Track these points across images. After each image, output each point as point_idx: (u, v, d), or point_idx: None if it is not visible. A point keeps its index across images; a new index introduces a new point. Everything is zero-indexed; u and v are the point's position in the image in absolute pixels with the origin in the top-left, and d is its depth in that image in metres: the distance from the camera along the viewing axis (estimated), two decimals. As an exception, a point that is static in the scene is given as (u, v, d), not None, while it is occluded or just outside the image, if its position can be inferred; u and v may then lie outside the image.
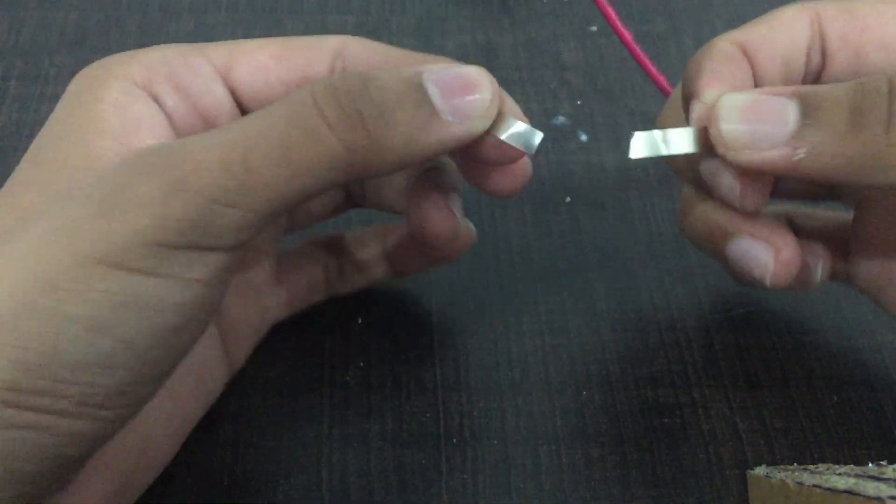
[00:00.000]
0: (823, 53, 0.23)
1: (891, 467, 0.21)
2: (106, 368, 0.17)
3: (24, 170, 0.21)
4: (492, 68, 0.38)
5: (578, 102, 0.37)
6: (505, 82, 0.37)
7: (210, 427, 0.27)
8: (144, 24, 0.39)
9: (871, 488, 0.19)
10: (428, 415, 0.28)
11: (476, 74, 0.20)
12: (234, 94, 0.23)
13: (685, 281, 0.31)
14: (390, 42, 0.39)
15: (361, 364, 0.29)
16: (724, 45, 0.22)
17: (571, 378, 0.29)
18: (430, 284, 0.31)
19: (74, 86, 0.22)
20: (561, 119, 0.36)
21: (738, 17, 0.41)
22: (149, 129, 0.21)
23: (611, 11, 0.33)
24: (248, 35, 0.38)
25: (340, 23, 0.39)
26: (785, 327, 0.30)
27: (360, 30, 0.39)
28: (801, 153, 0.20)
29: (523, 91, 0.37)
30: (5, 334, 0.17)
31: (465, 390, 0.28)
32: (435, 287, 0.30)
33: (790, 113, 0.20)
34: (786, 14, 0.23)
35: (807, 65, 0.23)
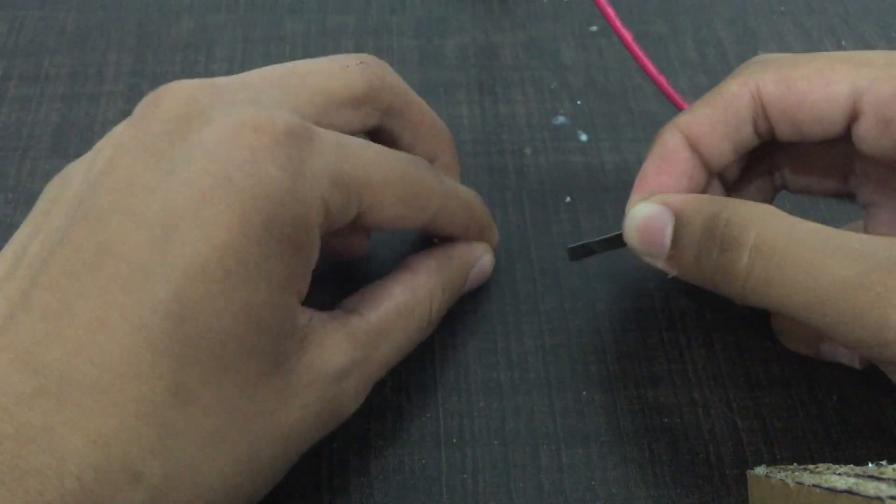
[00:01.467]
0: (769, 120, 0.25)
1: (890, 467, 0.21)
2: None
3: (222, 309, 0.20)
4: (492, 68, 0.38)
5: (578, 102, 0.37)
6: (505, 82, 0.37)
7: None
8: (144, 25, 0.39)
9: (870, 488, 0.19)
10: (428, 415, 0.28)
11: (490, 270, 0.30)
12: (353, 223, 0.24)
13: (685, 281, 0.31)
14: (390, 42, 0.39)
15: (361, 364, 0.29)
16: (669, 138, 0.25)
17: (571, 378, 0.29)
18: (430, 284, 0.31)
19: (263, 203, 0.20)
20: (561, 119, 0.36)
21: (738, 18, 0.41)
22: (309, 274, 0.23)
23: (611, 11, 0.33)
24: (248, 36, 0.39)
25: (341, 23, 0.39)
26: (785, 327, 0.30)
27: (361, 30, 0.39)
28: (674, 271, 0.25)
29: (523, 91, 0.37)
30: None
31: (465, 390, 0.28)
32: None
33: (666, 235, 0.24)
34: (729, 91, 0.24)
35: (756, 132, 0.25)
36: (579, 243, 0.28)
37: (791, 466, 0.24)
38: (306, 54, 0.38)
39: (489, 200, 0.33)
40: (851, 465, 0.22)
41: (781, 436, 0.27)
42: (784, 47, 0.39)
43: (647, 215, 0.25)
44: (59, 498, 0.18)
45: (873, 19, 0.41)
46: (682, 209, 0.24)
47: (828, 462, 0.26)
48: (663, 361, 0.29)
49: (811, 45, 0.40)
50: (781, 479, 0.23)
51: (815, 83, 0.23)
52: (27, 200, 0.32)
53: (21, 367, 0.18)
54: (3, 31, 0.38)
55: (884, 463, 0.21)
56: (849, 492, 0.19)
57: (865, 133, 0.23)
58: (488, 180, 0.34)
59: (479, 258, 0.29)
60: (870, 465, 0.21)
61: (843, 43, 0.40)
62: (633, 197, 0.26)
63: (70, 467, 0.18)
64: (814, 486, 0.21)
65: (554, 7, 0.41)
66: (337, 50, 0.38)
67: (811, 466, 0.23)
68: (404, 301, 0.25)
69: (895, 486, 0.19)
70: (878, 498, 0.18)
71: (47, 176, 0.33)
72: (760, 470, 0.25)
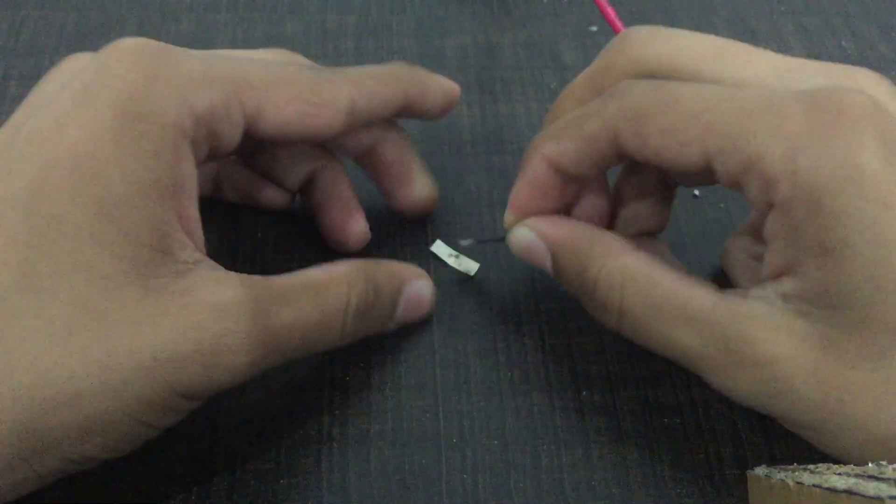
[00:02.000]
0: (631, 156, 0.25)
1: (890, 467, 0.21)
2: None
3: (82, 205, 0.20)
4: (492, 68, 0.38)
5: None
6: (505, 82, 0.37)
7: (210, 427, 0.27)
8: (144, 24, 0.39)
9: (870, 488, 0.19)
10: (428, 415, 0.28)
11: (428, 298, 0.29)
12: (246, 132, 0.24)
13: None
14: (390, 43, 0.39)
15: (361, 364, 0.29)
16: (536, 164, 0.26)
17: (571, 378, 0.29)
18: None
19: (128, 110, 0.21)
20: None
21: (738, 17, 0.41)
22: (190, 191, 0.23)
23: (610, 11, 0.33)
24: (248, 36, 0.39)
25: (341, 23, 0.39)
26: (785, 327, 0.30)
27: (361, 30, 0.39)
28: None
29: (523, 91, 0.37)
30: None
31: (465, 390, 0.28)
32: (435, 287, 0.30)
33: (548, 265, 0.27)
34: (588, 131, 0.25)
35: (621, 159, 0.26)
36: (468, 240, 0.30)
37: (791, 466, 0.24)
38: (306, 54, 0.38)
39: (489, 200, 0.33)
40: (851, 465, 0.22)
41: (781, 435, 0.27)
42: (784, 47, 0.39)
43: (526, 243, 0.27)
44: None
45: (873, 19, 0.41)
46: (555, 251, 0.26)
47: (828, 462, 0.26)
48: (663, 361, 0.29)
49: (811, 45, 0.40)
50: (781, 479, 0.23)
51: (668, 141, 0.23)
52: (27, 200, 0.32)
53: None
54: (3, 31, 0.38)
55: (884, 463, 0.21)
56: (849, 492, 0.19)
57: (725, 184, 0.24)
58: (488, 180, 0.34)
59: (412, 280, 0.28)
60: (870, 464, 0.21)
61: (843, 43, 0.40)
62: (508, 215, 0.27)
63: None
64: (814, 485, 0.21)
65: (554, 7, 0.41)
66: (337, 50, 0.38)
67: (811, 466, 0.23)
68: (317, 277, 0.25)
69: (895, 486, 0.19)
70: (879, 498, 0.18)
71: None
72: (760, 470, 0.25)
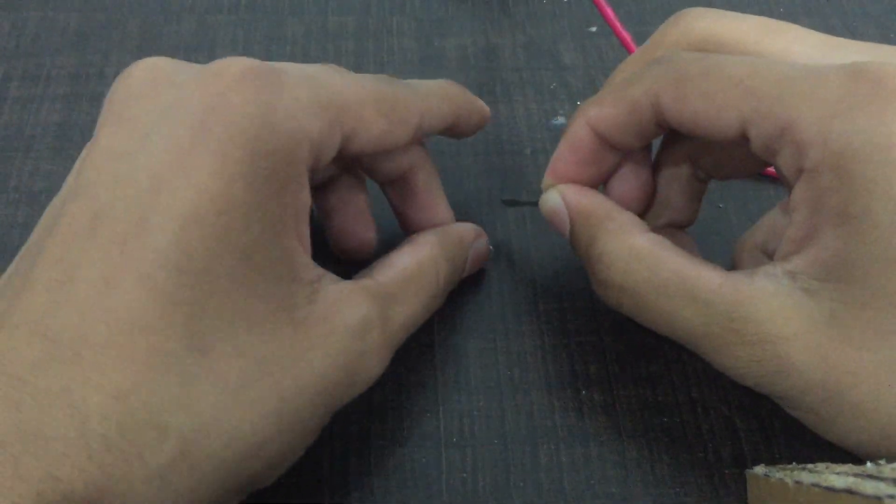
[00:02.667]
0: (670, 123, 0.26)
1: (889, 466, 0.21)
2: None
3: (224, 252, 0.20)
4: (492, 69, 0.38)
5: (578, 102, 0.37)
6: (505, 83, 0.37)
7: (211, 426, 0.27)
8: (146, 25, 0.39)
9: (869, 487, 0.19)
10: (428, 414, 0.28)
11: (486, 252, 0.31)
12: (340, 152, 0.24)
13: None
14: (390, 43, 0.39)
15: (362, 364, 0.29)
16: (578, 129, 0.26)
17: (571, 377, 0.29)
18: (431, 284, 0.31)
19: (256, 149, 0.21)
20: (561, 119, 0.36)
21: (738, 18, 0.41)
22: (307, 215, 0.23)
23: (610, 12, 0.33)
24: (249, 37, 0.39)
25: (341, 24, 0.39)
26: (784, 327, 0.30)
27: (361, 31, 0.39)
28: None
29: (523, 91, 0.37)
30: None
31: (465, 390, 0.28)
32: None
33: (567, 231, 0.27)
34: (632, 96, 0.25)
35: (659, 127, 0.26)
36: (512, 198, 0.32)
37: (790, 465, 0.24)
38: (307, 55, 0.38)
39: (489, 200, 0.33)
40: (850, 465, 0.22)
41: (780, 435, 0.27)
42: (783, 48, 0.39)
43: (552, 206, 0.27)
44: (87, 458, 0.18)
45: (872, 20, 0.41)
46: (573, 219, 0.27)
47: (826, 461, 0.26)
48: (662, 361, 0.29)
49: (810, 45, 0.40)
50: (780, 479, 0.23)
51: (707, 105, 0.24)
52: (29, 201, 0.32)
53: (31, 337, 0.19)
54: (4, 32, 0.38)
55: (882, 462, 0.21)
56: (848, 491, 0.19)
57: (758, 152, 0.24)
58: (488, 180, 0.34)
59: (476, 239, 0.29)
60: (868, 464, 0.21)
61: (843, 43, 0.40)
62: (545, 178, 0.28)
63: (93, 426, 0.18)
64: (813, 485, 0.21)
65: (554, 8, 0.41)
66: (338, 51, 0.38)
67: (810, 465, 0.23)
68: (412, 267, 0.26)
69: (894, 486, 0.19)
70: (877, 497, 0.18)
71: (49, 176, 0.33)
72: (759, 469, 0.25)
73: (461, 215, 0.33)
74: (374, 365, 0.23)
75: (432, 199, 0.29)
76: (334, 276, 0.24)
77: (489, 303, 0.30)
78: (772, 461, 0.27)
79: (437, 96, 0.27)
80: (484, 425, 0.27)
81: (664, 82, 0.24)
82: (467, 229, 0.29)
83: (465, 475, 0.26)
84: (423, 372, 0.29)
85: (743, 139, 0.24)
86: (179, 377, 0.19)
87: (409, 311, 0.25)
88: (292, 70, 0.23)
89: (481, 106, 0.30)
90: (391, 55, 0.38)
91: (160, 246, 0.19)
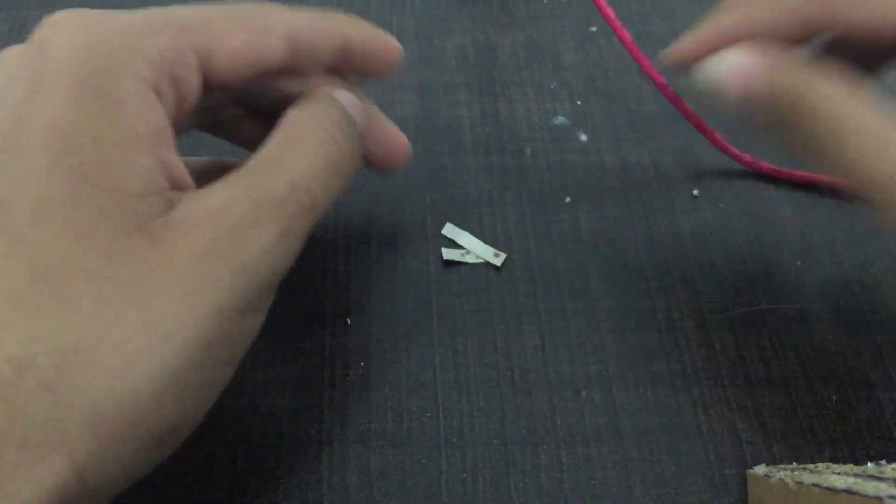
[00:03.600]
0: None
1: (890, 466, 0.21)
2: (221, 390, 0.21)
3: (57, 180, 0.19)
4: (492, 68, 0.38)
5: (578, 102, 0.37)
6: (505, 82, 0.37)
7: (210, 426, 0.27)
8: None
9: (870, 488, 0.19)
10: (428, 415, 0.28)
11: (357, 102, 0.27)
12: (204, 76, 0.23)
13: (685, 281, 0.31)
14: (390, 42, 0.39)
15: (361, 364, 0.29)
16: (729, 17, 0.26)
17: (571, 378, 0.29)
18: (431, 283, 0.31)
19: (80, 74, 0.20)
20: (561, 119, 0.36)
21: (738, 18, 0.41)
22: (166, 138, 0.22)
23: (610, 12, 0.33)
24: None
25: (341, 23, 0.39)
26: (784, 327, 0.30)
27: (361, 30, 0.39)
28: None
29: (523, 91, 0.37)
30: (175, 389, 0.19)
31: (464, 390, 0.28)
32: (435, 287, 0.31)
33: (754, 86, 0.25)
34: None
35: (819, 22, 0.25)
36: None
37: (790, 466, 0.24)
38: (306, 54, 0.38)
39: (489, 200, 0.33)
40: (851, 465, 0.22)
41: (781, 435, 0.27)
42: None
43: (734, 67, 0.25)
44: None
45: None
46: (772, 77, 0.24)
47: (827, 461, 0.26)
48: (663, 361, 0.29)
49: (811, 45, 0.40)
50: (781, 479, 0.23)
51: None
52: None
53: None
54: (4, 32, 0.38)
55: (883, 462, 0.21)
56: (848, 491, 0.19)
57: None
58: (488, 180, 0.34)
59: (333, 88, 0.26)
60: (869, 464, 0.21)
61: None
62: (686, 44, 0.27)
63: None
64: (813, 485, 0.21)
65: (554, 7, 0.41)
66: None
67: (810, 466, 0.23)
68: (290, 128, 0.24)
69: (894, 486, 0.19)
70: (878, 497, 0.18)
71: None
72: (760, 469, 0.25)
73: (461, 215, 0.33)
74: (262, 234, 0.21)
75: (376, 120, 0.27)
76: (210, 189, 0.22)
77: (489, 303, 0.30)
78: (772, 461, 0.27)
79: (315, 14, 0.26)
80: (484, 425, 0.27)
81: None
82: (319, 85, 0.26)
83: (464, 475, 0.26)
84: (423, 372, 0.29)
85: None
86: (29, 310, 0.18)
87: (294, 170, 0.22)
88: (128, 11, 0.23)
89: (386, 37, 0.28)
90: (391, 55, 0.38)
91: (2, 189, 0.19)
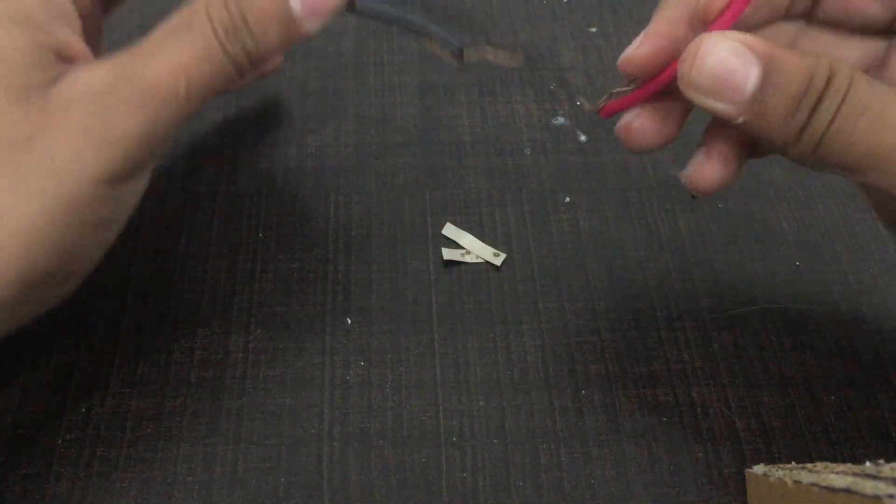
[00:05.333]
0: None
1: (888, 466, 0.21)
2: (103, 248, 0.25)
3: None
4: (492, 69, 0.38)
5: (578, 103, 0.37)
6: (504, 83, 0.37)
7: (211, 425, 0.27)
8: (145, 25, 0.39)
9: (868, 487, 0.19)
10: (428, 414, 0.28)
11: None
12: None
13: (684, 281, 0.31)
14: (391, 43, 0.39)
15: (361, 364, 0.29)
16: None
17: (570, 377, 0.29)
18: (431, 283, 0.31)
19: None
20: (560, 119, 0.36)
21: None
22: (69, 20, 0.24)
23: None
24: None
25: (341, 24, 0.39)
26: (783, 327, 0.30)
27: (361, 31, 0.39)
28: (742, 120, 0.23)
29: (523, 92, 0.37)
30: (44, 243, 0.22)
31: (464, 390, 0.28)
32: (435, 287, 0.31)
33: (750, 82, 0.22)
34: None
35: None
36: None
37: (789, 465, 0.24)
38: (307, 55, 0.38)
39: (489, 200, 0.33)
40: (849, 464, 0.22)
41: (780, 435, 0.27)
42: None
43: (727, 54, 0.23)
44: None
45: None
46: (775, 55, 0.22)
47: (826, 461, 0.26)
48: (662, 361, 0.29)
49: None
50: (780, 478, 0.23)
51: None
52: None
53: None
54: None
55: (882, 462, 0.21)
56: (847, 490, 0.19)
57: None
58: (488, 180, 0.34)
59: None
60: (868, 463, 0.21)
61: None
62: (647, 37, 0.25)
63: None
64: (812, 484, 0.21)
65: (553, 8, 0.41)
66: (338, 50, 0.38)
67: (809, 465, 0.24)
68: (171, 22, 0.25)
69: (893, 485, 0.19)
70: (877, 496, 0.18)
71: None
72: (759, 468, 0.25)
73: (461, 215, 0.33)
74: (123, 122, 0.23)
75: None
76: (92, 67, 0.23)
77: (489, 303, 0.30)
78: (771, 461, 0.27)
79: None
80: (484, 425, 0.27)
81: None
82: None
83: (464, 474, 0.26)
84: (423, 372, 0.29)
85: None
86: None
87: (174, 60, 0.23)
88: None
89: None
90: (391, 55, 0.38)
91: None
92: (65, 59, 0.23)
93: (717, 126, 0.26)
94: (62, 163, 0.22)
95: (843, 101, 0.22)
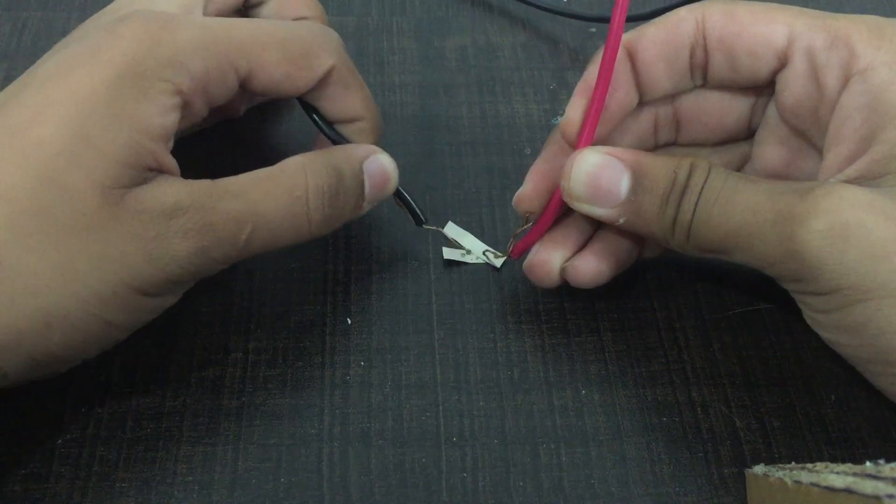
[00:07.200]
0: (706, 51, 0.27)
1: (888, 466, 0.21)
2: (107, 347, 0.25)
3: (70, 141, 0.23)
4: (492, 68, 0.38)
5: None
6: (505, 83, 0.37)
7: (211, 425, 0.27)
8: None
9: (868, 487, 0.19)
10: (428, 414, 0.28)
11: (391, 169, 0.29)
12: (240, 87, 0.26)
13: (684, 281, 0.31)
14: (391, 43, 0.39)
15: (361, 364, 0.29)
16: (616, 52, 0.26)
17: (570, 377, 0.29)
18: (431, 283, 0.31)
19: (126, 67, 0.23)
20: (560, 119, 0.36)
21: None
22: (165, 138, 0.24)
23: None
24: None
25: (341, 24, 0.39)
26: (783, 327, 0.30)
27: (361, 31, 0.39)
28: (622, 220, 0.26)
29: (523, 91, 0.37)
30: (63, 325, 0.23)
31: (464, 389, 0.28)
32: (435, 287, 0.31)
33: (623, 186, 0.26)
34: (677, 15, 0.27)
35: (691, 59, 0.27)
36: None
37: (789, 465, 0.25)
38: (307, 55, 0.38)
39: (489, 200, 0.33)
40: (849, 464, 0.22)
41: (780, 435, 0.27)
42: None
43: (598, 164, 0.26)
44: None
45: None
46: (641, 161, 0.26)
47: (826, 461, 0.26)
48: (662, 360, 0.29)
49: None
50: (780, 478, 0.23)
51: (756, 18, 0.26)
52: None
53: None
54: (5, 32, 0.38)
55: (882, 462, 0.21)
56: (847, 490, 0.19)
57: (791, 77, 0.26)
58: (488, 180, 0.34)
59: (372, 156, 0.28)
60: (868, 463, 0.21)
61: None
62: (572, 111, 0.27)
63: None
64: (812, 484, 0.21)
65: (553, 7, 0.41)
66: (337, 50, 0.38)
67: (809, 465, 0.24)
68: (266, 172, 0.26)
69: (893, 485, 0.19)
70: (876, 496, 0.18)
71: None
72: (759, 468, 0.25)
73: (461, 215, 0.33)
74: (180, 243, 0.24)
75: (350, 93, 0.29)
76: (172, 182, 0.24)
77: (489, 303, 0.30)
78: (771, 461, 0.27)
79: (353, 71, 0.28)
80: (484, 425, 0.27)
81: (713, 3, 0.26)
82: (362, 146, 0.29)
83: (464, 474, 0.26)
84: (423, 372, 0.29)
85: (784, 57, 0.26)
86: None
87: (249, 208, 0.25)
88: (193, 19, 0.25)
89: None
90: (391, 55, 0.38)
91: (19, 119, 0.23)
92: (152, 169, 0.24)
93: (603, 229, 0.29)
94: (109, 262, 0.23)
95: (700, 192, 0.25)
